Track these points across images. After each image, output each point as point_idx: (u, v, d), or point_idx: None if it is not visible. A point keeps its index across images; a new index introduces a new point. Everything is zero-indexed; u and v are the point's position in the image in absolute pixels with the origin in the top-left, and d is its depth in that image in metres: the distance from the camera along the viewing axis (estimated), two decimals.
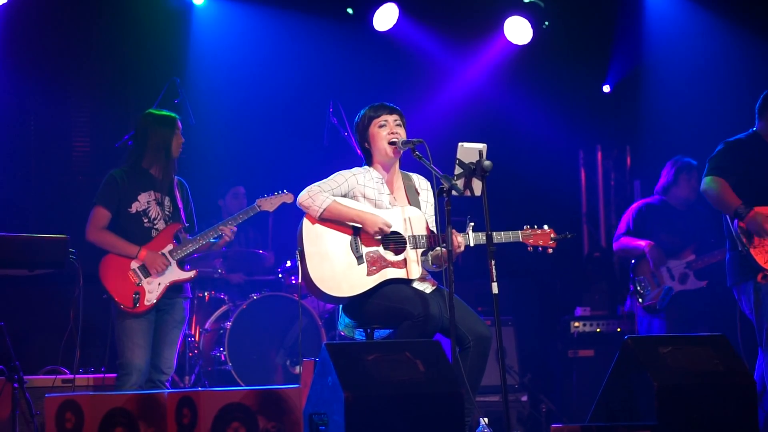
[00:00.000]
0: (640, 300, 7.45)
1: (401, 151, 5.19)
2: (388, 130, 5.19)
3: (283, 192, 6.31)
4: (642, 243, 7.47)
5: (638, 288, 7.46)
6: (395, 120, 5.22)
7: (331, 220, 5.08)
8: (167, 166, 6.04)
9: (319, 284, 5.00)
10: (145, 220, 5.98)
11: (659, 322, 7.46)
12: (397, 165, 5.32)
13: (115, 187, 5.96)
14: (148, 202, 6.00)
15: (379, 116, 5.22)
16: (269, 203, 6.31)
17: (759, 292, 6.00)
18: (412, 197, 5.30)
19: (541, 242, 5.23)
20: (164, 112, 6.14)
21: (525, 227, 5.24)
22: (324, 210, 5.05)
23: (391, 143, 5.17)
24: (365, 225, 5.05)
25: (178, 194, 6.11)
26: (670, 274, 7.42)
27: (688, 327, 7.31)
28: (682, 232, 7.54)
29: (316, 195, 5.08)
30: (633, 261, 7.59)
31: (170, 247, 5.99)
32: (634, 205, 7.78)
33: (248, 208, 6.26)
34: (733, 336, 6.15)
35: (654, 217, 7.59)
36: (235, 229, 6.12)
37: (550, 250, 5.24)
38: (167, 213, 6.04)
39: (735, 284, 6.18)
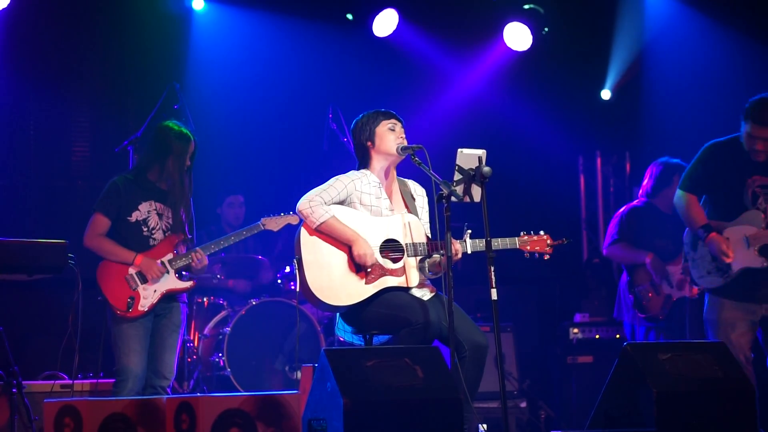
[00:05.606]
0: (642, 311, 7.42)
1: (402, 157, 5.19)
2: (396, 135, 5.20)
3: (290, 213, 6.30)
4: (642, 254, 7.43)
5: (639, 299, 7.43)
6: (401, 128, 5.24)
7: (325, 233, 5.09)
8: (179, 180, 6.00)
9: (318, 293, 4.99)
10: (144, 229, 5.96)
11: (658, 330, 7.43)
12: (394, 170, 5.32)
13: (116, 195, 5.95)
14: (148, 212, 5.98)
15: (389, 119, 5.23)
16: (274, 223, 6.31)
17: None
18: (410, 203, 5.30)
19: (537, 248, 5.23)
20: (183, 129, 6.07)
21: (521, 233, 5.25)
22: (321, 224, 5.05)
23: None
24: (353, 248, 5.03)
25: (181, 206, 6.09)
26: (668, 281, 7.40)
27: (688, 332, 7.29)
28: (673, 236, 7.50)
29: (317, 207, 5.06)
30: (625, 268, 7.57)
31: (170, 256, 5.98)
32: (623, 210, 7.71)
33: (252, 226, 6.27)
34: None
35: (645, 222, 7.55)
36: (206, 262, 6.04)
37: (547, 257, 5.24)
38: (167, 223, 6.02)
39: None
